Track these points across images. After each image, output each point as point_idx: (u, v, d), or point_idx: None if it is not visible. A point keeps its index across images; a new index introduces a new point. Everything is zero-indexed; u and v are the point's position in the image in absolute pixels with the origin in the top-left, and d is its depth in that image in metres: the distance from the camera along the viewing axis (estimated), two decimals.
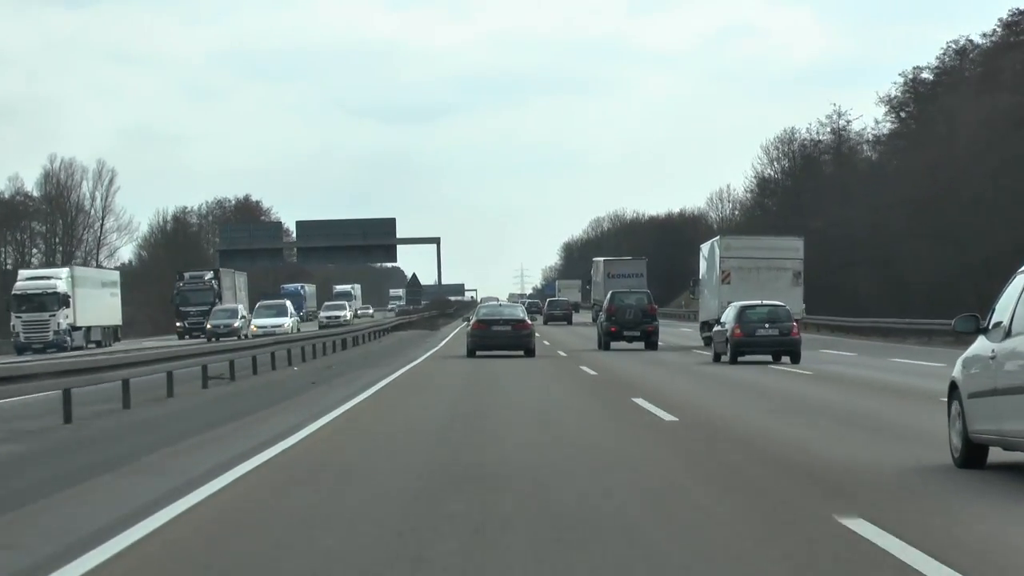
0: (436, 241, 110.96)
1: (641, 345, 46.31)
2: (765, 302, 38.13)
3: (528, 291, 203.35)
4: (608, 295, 49.51)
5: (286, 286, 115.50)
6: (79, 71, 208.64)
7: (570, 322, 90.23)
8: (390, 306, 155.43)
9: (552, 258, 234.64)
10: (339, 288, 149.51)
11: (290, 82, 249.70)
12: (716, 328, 38.77)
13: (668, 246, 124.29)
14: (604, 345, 46.34)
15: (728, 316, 37.48)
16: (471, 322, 43.16)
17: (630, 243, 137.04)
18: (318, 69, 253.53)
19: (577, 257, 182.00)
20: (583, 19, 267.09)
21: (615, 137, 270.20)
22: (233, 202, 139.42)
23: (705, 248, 58.46)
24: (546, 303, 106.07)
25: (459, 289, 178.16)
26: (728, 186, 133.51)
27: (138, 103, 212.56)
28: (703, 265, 58.24)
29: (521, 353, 40.86)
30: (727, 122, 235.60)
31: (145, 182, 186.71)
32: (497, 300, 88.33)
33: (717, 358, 37.79)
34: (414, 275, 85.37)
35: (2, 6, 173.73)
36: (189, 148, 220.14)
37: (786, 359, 36.55)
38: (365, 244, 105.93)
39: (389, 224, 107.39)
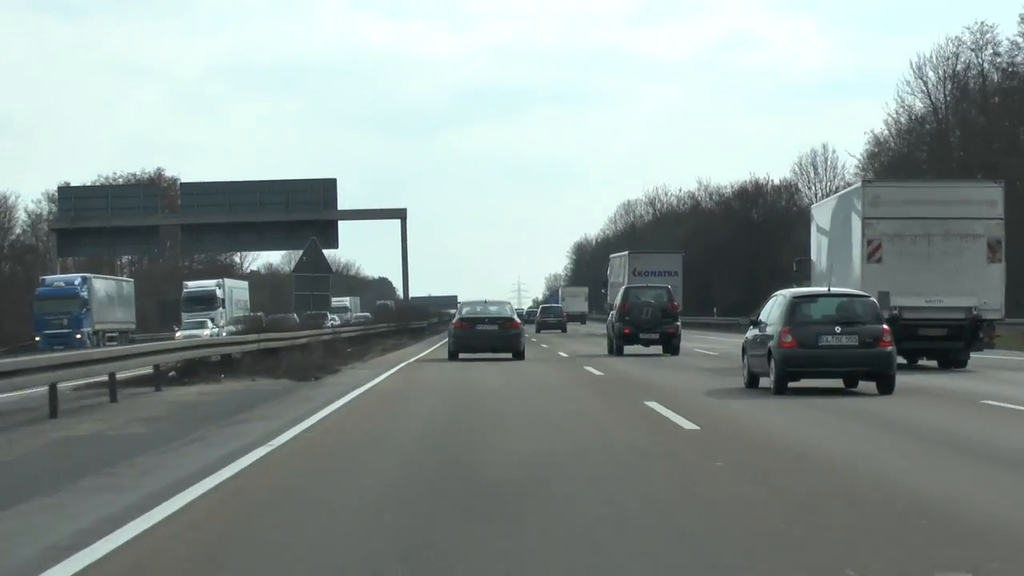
0: (400, 215, 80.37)
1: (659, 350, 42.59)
2: (836, 290, 24.59)
3: (528, 303, 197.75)
4: (621, 291, 44.79)
5: (191, 285, 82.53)
6: (76, 83, 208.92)
7: (564, 330, 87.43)
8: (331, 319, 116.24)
9: (557, 265, 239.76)
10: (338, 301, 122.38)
11: (289, 94, 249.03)
12: (750, 334, 24.62)
13: (743, 231, 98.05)
14: (616, 350, 42.26)
15: (772, 314, 23.92)
16: (453, 321, 40.57)
17: (688, 231, 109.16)
18: (317, 81, 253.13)
19: (589, 260, 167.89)
20: (583, 30, 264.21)
21: (616, 149, 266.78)
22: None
23: (825, 209, 39.79)
24: (539, 309, 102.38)
25: (451, 301, 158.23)
26: (826, 147, 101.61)
27: (136, 115, 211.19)
28: (821, 237, 39.10)
29: (509, 356, 38.53)
30: (730, 133, 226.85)
31: None
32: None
33: (752, 382, 24.45)
34: (312, 242, 48.75)
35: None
36: (187, 161, 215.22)
37: (867, 385, 23.45)
38: (289, 219, 75.59)
39: (325, 188, 76.96)
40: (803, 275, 40.59)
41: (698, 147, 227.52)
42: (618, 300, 43.97)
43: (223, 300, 78.89)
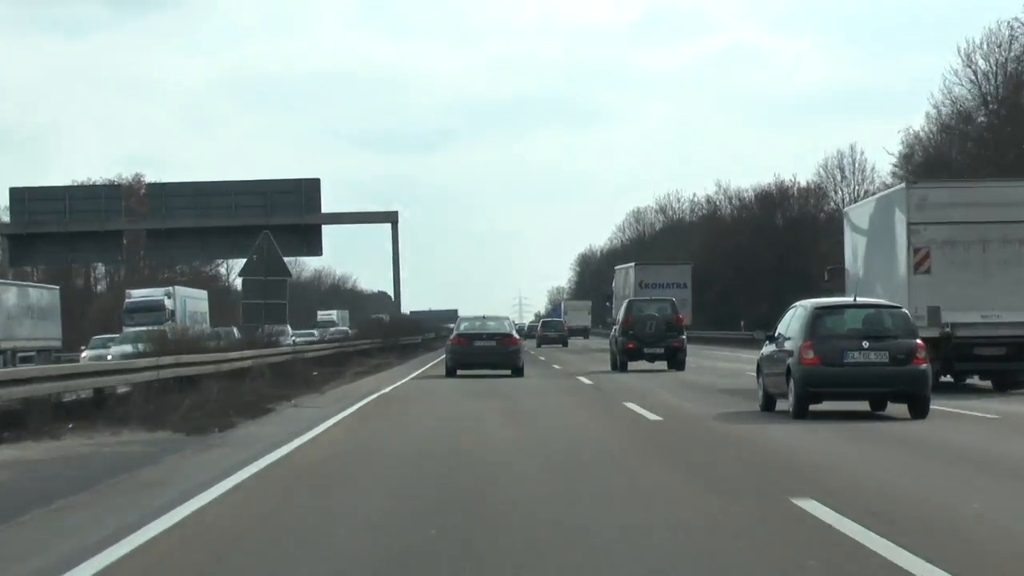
0: (391, 218, 73.12)
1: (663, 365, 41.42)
2: (863, 300, 22.65)
3: (530, 317, 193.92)
4: (624, 304, 43.62)
5: (135, 293, 71.61)
6: (77, 100, 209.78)
7: (565, 344, 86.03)
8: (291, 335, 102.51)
9: (561, 278, 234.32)
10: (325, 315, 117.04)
11: (291, 110, 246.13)
12: (766, 350, 22.56)
13: (766, 238, 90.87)
14: (620, 365, 40.84)
15: (791, 327, 21.75)
16: (450, 337, 39.88)
17: (704, 238, 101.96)
18: (319, 97, 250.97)
19: (594, 271, 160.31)
20: (586, 45, 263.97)
21: (616, 164, 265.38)
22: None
23: (862, 212, 36.34)
24: (540, 324, 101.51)
25: (451, 315, 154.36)
26: (854, 148, 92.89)
27: (137, 132, 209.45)
28: (857, 244, 35.53)
29: (508, 372, 37.90)
30: (731, 149, 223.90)
31: None
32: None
33: (768, 404, 22.24)
34: (265, 235, 39.65)
35: (1, 35, 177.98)
36: (188, 177, 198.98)
37: (898, 407, 21.47)
38: (267, 223, 64.05)
39: (308, 190, 69.72)
40: (836, 285, 36.70)
41: (700, 162, 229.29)
42: (621, 314, 42.62)
43: (172, 312, 67.86)
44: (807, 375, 20.49)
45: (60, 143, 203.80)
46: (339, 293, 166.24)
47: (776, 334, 22.54)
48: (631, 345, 40.84)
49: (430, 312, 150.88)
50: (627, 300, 45.67)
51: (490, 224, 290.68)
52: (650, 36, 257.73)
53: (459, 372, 38.18)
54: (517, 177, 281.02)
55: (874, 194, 48.84)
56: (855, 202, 65.68)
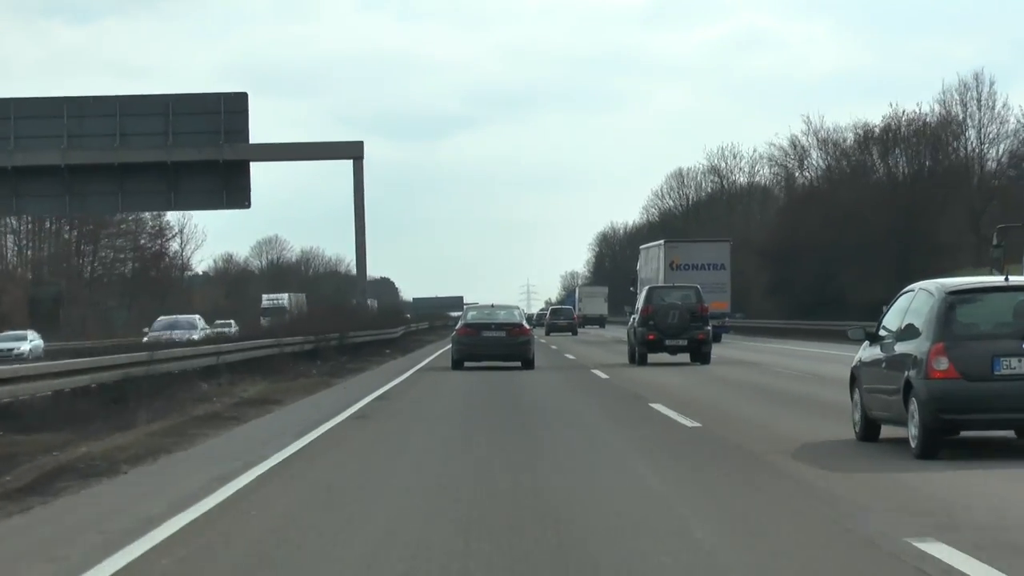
0: (353, 152, 50.67)
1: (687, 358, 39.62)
2: (1017, 280, 16.71)
3: (539, 306, 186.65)
4: (644, 292, 42.20)
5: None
6: (83, 86, 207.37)
7: (574, 332, 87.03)
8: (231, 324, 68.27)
9: (576, 262, 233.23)
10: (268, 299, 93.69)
11: (297, 96, 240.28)
12: (866, 354, 16.85)
13: (875, 194, 69.47)
14: (639, 358, 39.21)
15: (908, 321, 15.99)
16: (457, 328, 38.34)
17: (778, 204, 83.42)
18: (326, 83, 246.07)
19: (617, 252, 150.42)
20: (596, 30, 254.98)
21: (627, 151, 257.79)
22: None
23: None
24: (548, 311, 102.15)
25: (456, 303, 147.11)
26: (979, 76, 71.28)
27: None
28: None
29: (518, 364, 36.63)
30: (742, 135, 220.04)
31: None
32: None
33: (869, 432, 16.57)
34: None
35: (6, 20, 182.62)
36: None
37: None
38: (171, 160, 47.11)
39: (230, 109, 47.99)
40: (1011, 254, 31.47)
41: (713, 147, 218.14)
42: (640, 302, 40.94)
43: None
44: (941, 395, 14.84)
45: None
46: (327, 278, 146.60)
47: (881, 330, 16.38)
48: (651, 336, 39.24)
49: (433, 299, 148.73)
50: (647, 287, 44.27)
51: (497, 211, 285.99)
52: (661, 21, 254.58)
53: (466, 364, 36.78)
54: (526, 163, 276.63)
55: None
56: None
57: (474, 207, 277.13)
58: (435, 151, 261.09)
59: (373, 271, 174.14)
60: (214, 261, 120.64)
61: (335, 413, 19.49)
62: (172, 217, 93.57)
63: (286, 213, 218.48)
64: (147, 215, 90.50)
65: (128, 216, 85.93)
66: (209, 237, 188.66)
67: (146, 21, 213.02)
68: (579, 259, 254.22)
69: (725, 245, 63.27)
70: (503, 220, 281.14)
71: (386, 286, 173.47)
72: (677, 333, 38.80)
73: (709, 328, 39.87)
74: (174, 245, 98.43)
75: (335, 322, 42.14)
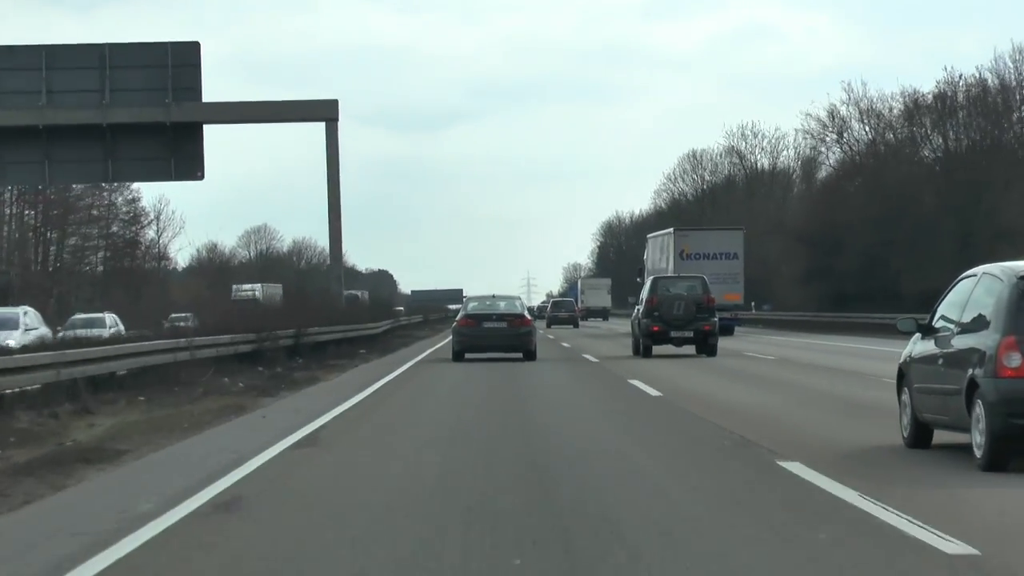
0: (327, 112, 43.35)
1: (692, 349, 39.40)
2: None
3: (540, 298, 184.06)
4: (648, 283, 42.02)
5: None
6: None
7: (576, 325, 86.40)
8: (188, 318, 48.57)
9: (579, 254, 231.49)
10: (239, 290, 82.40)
11: (297, 89, 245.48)
12: (917, 349, 15.09)
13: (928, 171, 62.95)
14: (643, 350, 38.70)
15: (969, 311, 14.26)
16: (458, 319, 37.94)
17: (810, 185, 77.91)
18: (326, 76, 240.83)
19: (623, 241, 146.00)
20: (597, 23, 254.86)
21: (628, 144, 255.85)
22: None
23: None
24: (549, 304, 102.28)
25: (456, 295, 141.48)
26: None
27: None
28: None
29: (520, 356, 36.11)
30: (744, 127, 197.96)
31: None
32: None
33: (920, 438, 14.98)
34: None
35: (7, 9, 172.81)
36: None
37: None
38: (104, 122, 39.96)
39: (178, 61, 40.59)
40: None
41: (715, 140, 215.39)
42: (645, 292, 40.40)
43: None
44: (1013, 396, 13.21)
45: None
46: (319, 270, 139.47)
47: (937, 321, 14.87)
48: (656, 328, 38.37)
49: (433, 292, 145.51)
50: (651, 278, 43.88)
51: (497, 204, 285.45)
52: (662, 13, 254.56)
53: (467, 356, 35.94)
54: (527, 156, 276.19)
55: None
56: None
57: (474, 200, 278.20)
58: (437, 144, 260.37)
59: (372, 263, 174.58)
60: (197, 251, 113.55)
61: (184, 494, 10.74)
62: (148, 202, 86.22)
63: (276, 200, 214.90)
64: (119, 199, 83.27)
65: (99, 199, 78.64)
66: (197, 227, 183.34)
67: (142, 14, 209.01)
68: (582, 251, 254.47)
69: (738, 233, 61.36)
70: (503, 213, 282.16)
71: (384, 279, 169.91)
72: (683, 325, 38.51)
73: (716, 319, 39.54)
74: (150, 232, 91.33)
75: (292, 316, 34.43)
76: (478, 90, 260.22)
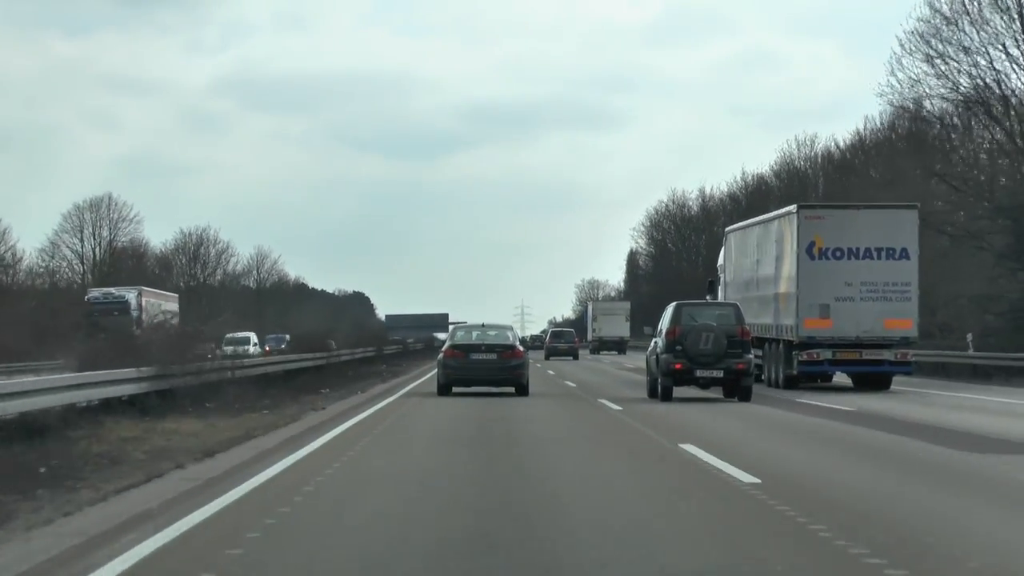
0: None
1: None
2: None
3: (532, 328, 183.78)
4: (670, 310, 35.04)
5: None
6: (78, 99, 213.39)
7: (575, 356, 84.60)
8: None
9: (597, 272, 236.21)
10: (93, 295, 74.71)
11: (295, 112, 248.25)
12: None
13: None
14: (662, 392, 33.81)
15: None
16: (444, 349, 37.17)
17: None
18: (324, 100, 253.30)
19: (676, 241, 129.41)
20: (598, 48, 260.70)
21: (628, 170, 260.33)
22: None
23: None
24: (549, 334, 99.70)
25: (440, 321, 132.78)
26: None
27: (137, 132, 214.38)
28: None
29: (512, 391, 35.53)
30: (745, 155, 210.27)
31: (144, 212, 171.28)
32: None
33: None
34: None
35: (1, 32, 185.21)
36: (189, 179, 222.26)
37: None
38: None
39: None
40: None
41: (718, 167, 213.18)
42: (665, 321, 34.67)
43: None
44: None
45: (60, 143, 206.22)
46: (303, 295, 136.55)
47: None
48: (678, 366, 33.48)
49: (413, 316, 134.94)
50: (674, 304, 35.85)
51: (494, 231, 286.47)
52: (665, 40, 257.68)
53: (454, 390, 35.56)
54: (525, 182, 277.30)
55: None
56: None
57: (469, 227, 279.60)
58: (434, 169, 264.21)
59: (352, 286, 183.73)
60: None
61: None
62: None
63: None
64: None
65: None
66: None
67: (140, 36, 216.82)
68: (600, 271, 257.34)
69: (910, 213, 39.59)
70: (499, 240, 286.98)
71: (359, 301, 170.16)
72: (711, 362, 33.55)
73: (751, 356, 34.06)
74: None
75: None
76: (477, 116, 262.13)
